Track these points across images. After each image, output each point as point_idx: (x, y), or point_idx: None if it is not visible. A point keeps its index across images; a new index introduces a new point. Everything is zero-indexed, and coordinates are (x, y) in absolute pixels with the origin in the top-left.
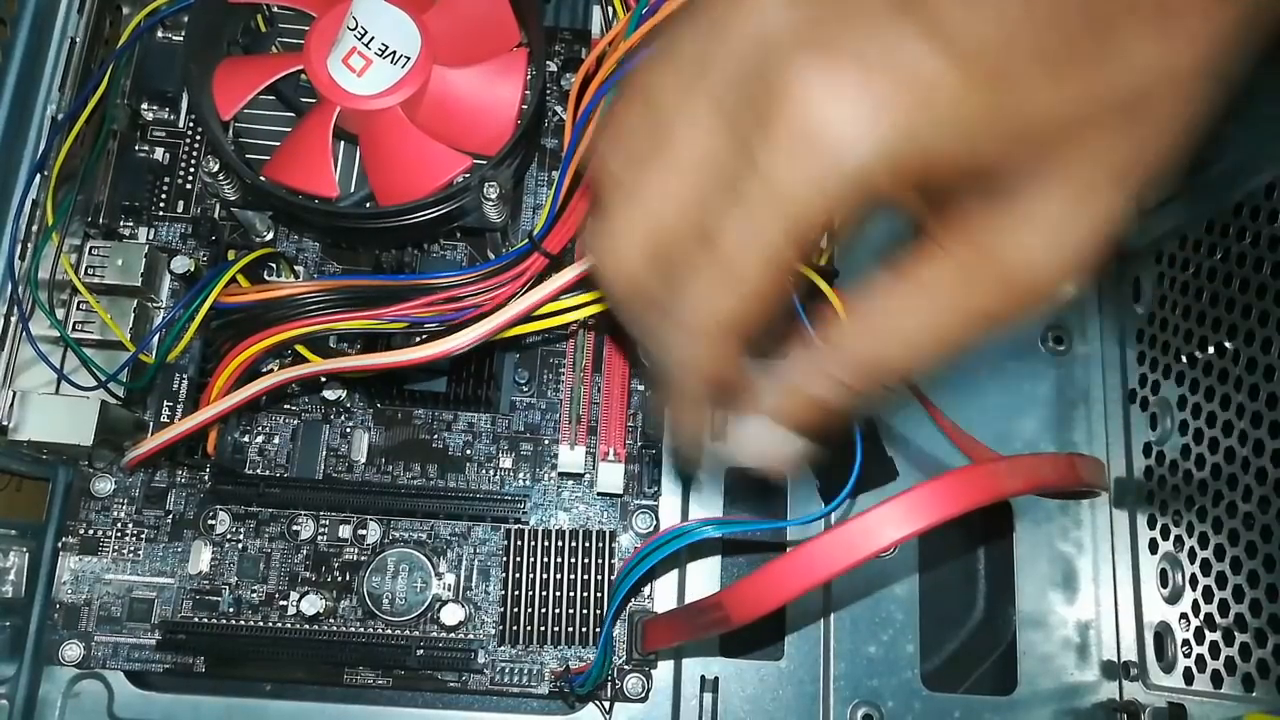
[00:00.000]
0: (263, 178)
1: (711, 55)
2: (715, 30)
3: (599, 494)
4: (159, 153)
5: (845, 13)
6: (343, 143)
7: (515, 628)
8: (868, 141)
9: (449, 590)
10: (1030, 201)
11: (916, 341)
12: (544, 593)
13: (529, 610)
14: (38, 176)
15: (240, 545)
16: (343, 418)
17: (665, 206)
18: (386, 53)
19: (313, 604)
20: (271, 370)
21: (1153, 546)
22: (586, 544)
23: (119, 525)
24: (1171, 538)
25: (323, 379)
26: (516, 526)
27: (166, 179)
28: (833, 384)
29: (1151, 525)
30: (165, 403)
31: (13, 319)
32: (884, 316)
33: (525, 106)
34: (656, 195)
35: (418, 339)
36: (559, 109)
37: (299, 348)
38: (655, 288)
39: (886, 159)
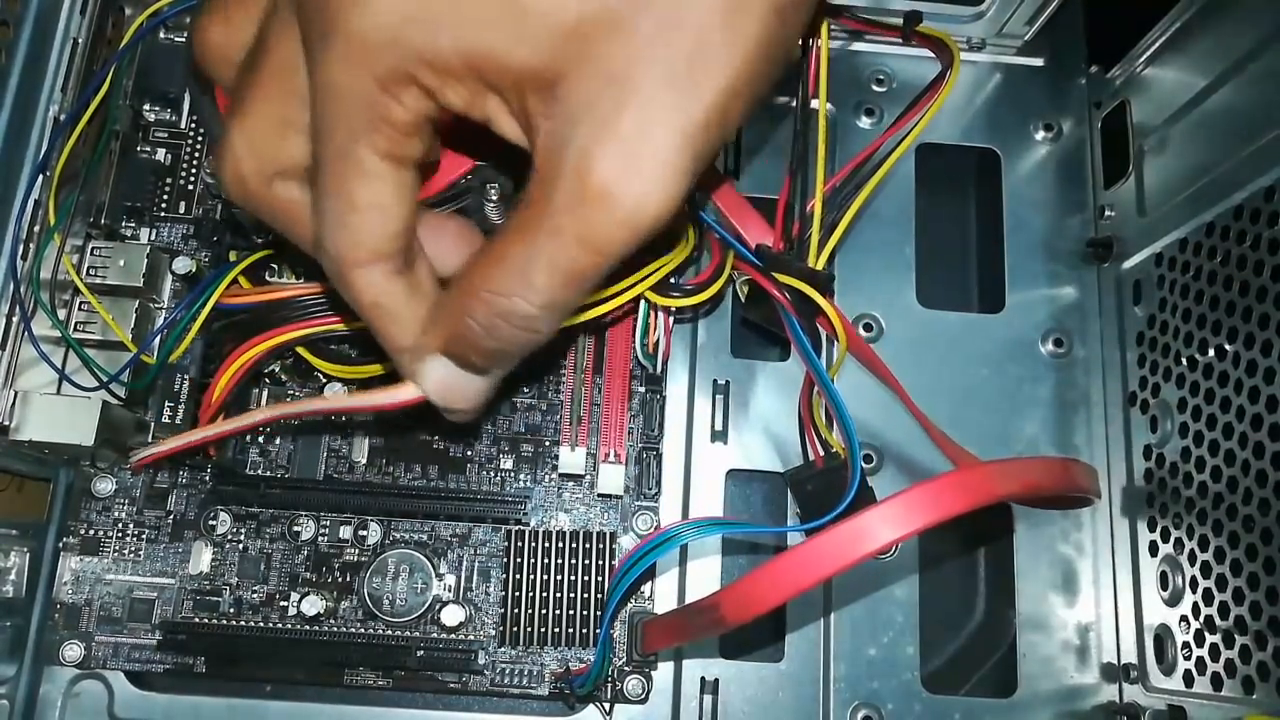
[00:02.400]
0: None
1: None
2: None
3: (599, 495)
4: (161, 153)
5: None
6: None
7: (515, 629)
8: (369, 11)
9: (449, 591)
10: (587, 110)
11: (525, 271)
12: (544, 594)
13: (529, 611)
14: (40, 177)
15: (241, 546)
16: (344, 418)
17: (260, 122)
18: None
19: (313, 605)
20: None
21: (1153, 549)
22: (587, 545)
23: (120, 526)
24: (1171, 540)
25: (324, 379)
26: (517, 528)
27: (168, 180)
28: (473, 323)
29: (1151, 528)
30: (167, 403)
31: (14, 319)
32: (498, 249)
33: None
34: (252, 106)
35: None
36: None
37: (299, 349)
38: (280, 202)
39: (390, 29)
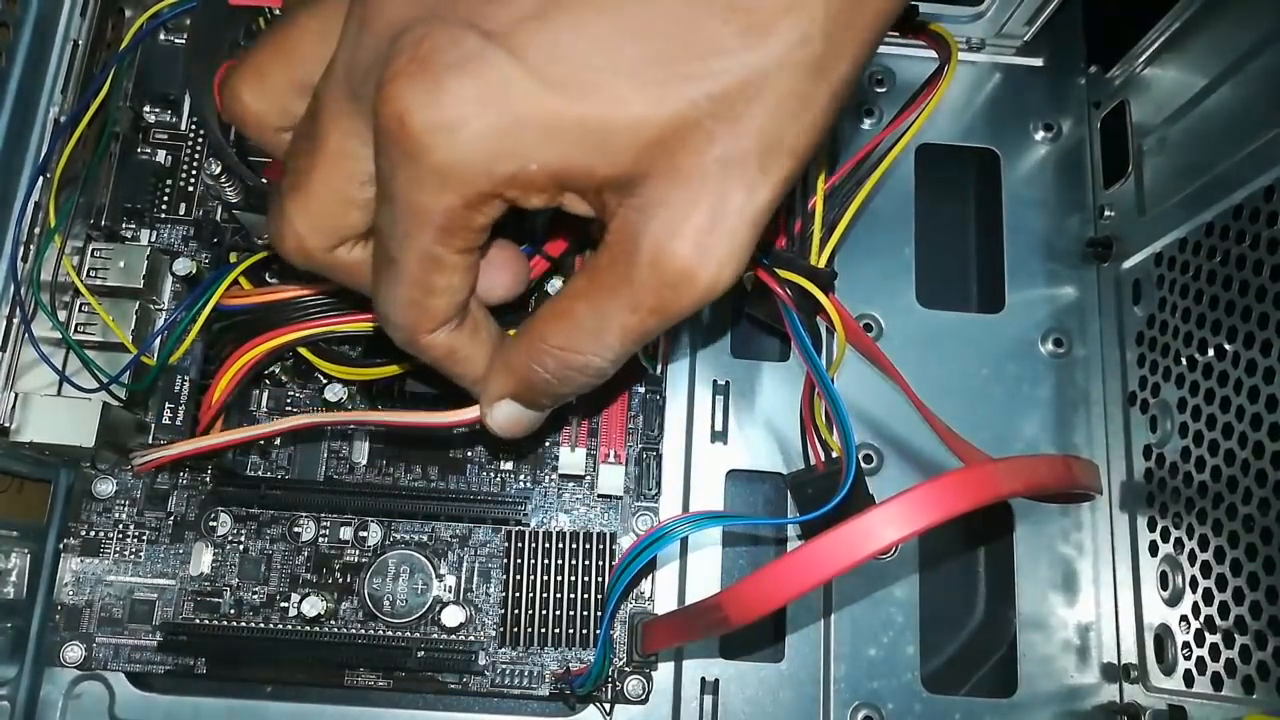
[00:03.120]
0: (264, 180)
1: (351, 51)
2: (357, 28)
3: (599, 496)
4: (161, 155)
5: (436, 32)
6: None
7: (516, 629)
8: (459, 146)
9: (450, 592)
10: (664, 205)
11: (599, 334)
12: (544, 595)
13: (529, 612)
14: (40, 179)
15: (241, 547)
16: None
17: (320, 203)
18: None
19: (314, 605)
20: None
21: (1153, 549)
22: (587, 546)
23: (120, 527)
24: (1171, 540)
25: (324, 379)
26: (517, 528)
27: (168, 181)
28: (534, 372)
29: (1151, 528)
30: (167, 405)
31: (15, 321)
32: (569, 310)
33: None
34: (312, 188)
35: None
36: None
37: (300, 350)
38: (342, 264)
39: (481, 162)
